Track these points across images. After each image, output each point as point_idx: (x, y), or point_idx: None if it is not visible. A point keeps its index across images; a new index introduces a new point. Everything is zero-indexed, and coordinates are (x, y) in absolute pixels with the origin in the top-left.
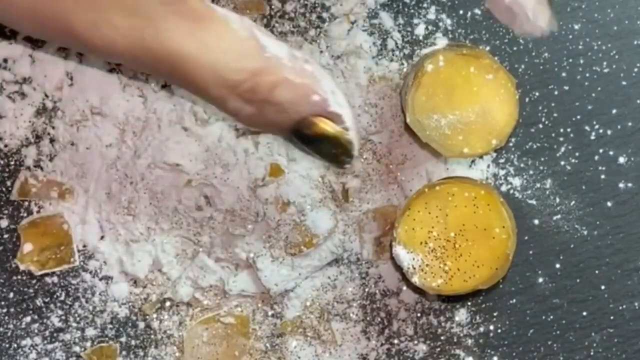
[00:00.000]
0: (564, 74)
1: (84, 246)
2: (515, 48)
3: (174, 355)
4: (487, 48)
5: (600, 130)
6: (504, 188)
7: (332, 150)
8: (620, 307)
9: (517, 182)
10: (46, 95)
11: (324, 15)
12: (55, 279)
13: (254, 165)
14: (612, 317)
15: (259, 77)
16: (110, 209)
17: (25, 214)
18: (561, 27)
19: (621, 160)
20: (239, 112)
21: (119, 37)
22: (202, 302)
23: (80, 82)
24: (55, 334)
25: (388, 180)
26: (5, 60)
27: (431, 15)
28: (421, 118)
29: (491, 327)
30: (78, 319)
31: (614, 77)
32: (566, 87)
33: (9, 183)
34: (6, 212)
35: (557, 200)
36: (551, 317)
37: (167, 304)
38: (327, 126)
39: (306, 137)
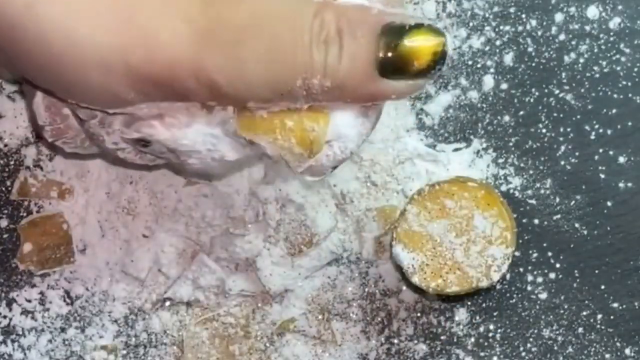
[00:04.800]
0: (564, 74)
1: (84, 246)
2: (515, 48)
3: (174, 355)
4: (487, 48)
5: (600, 130)
6: (504, 188)
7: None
8: (620, 307)
9: (517, 182)
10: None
11: None
12: (55, 278)
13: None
14: (612, 317)
15: None
16: (110, 209)
17: (24, 214)
18: (561, 26)
19: (621, 160)
20: (326, 63)
21: None
22: (202, 302)
23: None
24: (55, 334)
25: (388, 180)
26: None
27: (431, 16)
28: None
29: (491, 327)
30: (78, 318)
31: (614, 77)
32: (566, 87)
33: (8, 183)
34: (6, 211)
35: (557, 200)
36: (551, 317)
37: (167, 304)
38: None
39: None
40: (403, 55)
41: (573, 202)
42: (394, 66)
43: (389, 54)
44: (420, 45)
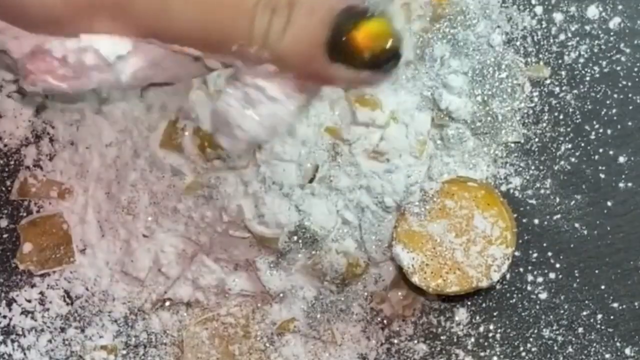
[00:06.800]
0: (564, 74)
1: (84, 246)
2: (515, 47)
3: (174, 355)
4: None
5: (600, 130)
6: (504, 188)
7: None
8: (620, 307)
9: (517, 182)
10: (46, 95)
11: None
12: (55, 278)
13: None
14: (612, 317)
15: None
16: (110, 209)
17: (24, 214)
18: (561, 26)
19: (621, 160)
20: (268, 34)
21: None
22: (202, 302)
23: None
24: (55, 334)
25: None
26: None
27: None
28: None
29: (491, 327)
30: (78, 318)
31: (614, 77)
32: (566, 87)
33: (8, 183)
34: (6, 211)
35: (557, 200)
36: (551, 317)
37: (167, 304)
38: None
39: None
40: (353, 43)
41: (573, 202)
42: (343, 52)
43: (341, 39)
44: (372, 37)
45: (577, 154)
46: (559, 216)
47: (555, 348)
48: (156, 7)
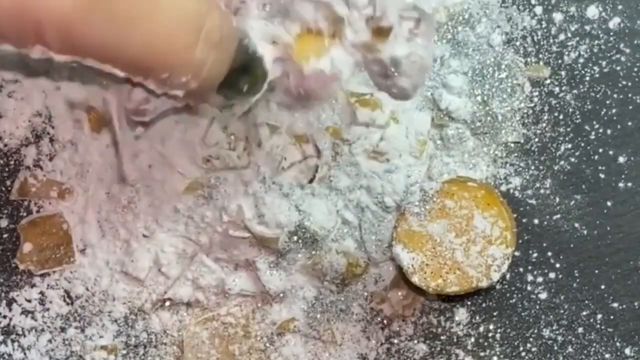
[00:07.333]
0: (564, 74)
1: (84, 246)
2: (515, 47)
3: (174, 355)
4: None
5: (600, 130)
6: (504, 188)
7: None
8: (620, 307)
9: (517, 182)
10: (46, 95)
11: None
12: (55, 278)
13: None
14: (612, 317)
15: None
16: (110, 209)
17: (24, 214)
18: (561, 26)
19: (621, 160)
20: (203, 65)
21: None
22: (202, 302)
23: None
24: (55, 334)
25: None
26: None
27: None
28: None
29: (491, 327)
30: (78, 318)
31: (613, 77)
32: (566, 87)
33: (8, 182)
34: (6, 211)
35: (557, 200)
36: (551, 317)
37: (167, 304)
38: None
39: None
40: (246, 82)
41: (573, 202)
42: (229, 86)
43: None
44: (257, 78)
45: (577, 154)
46: (559, 216)
47: (555, 348)
48: (114, 34)
